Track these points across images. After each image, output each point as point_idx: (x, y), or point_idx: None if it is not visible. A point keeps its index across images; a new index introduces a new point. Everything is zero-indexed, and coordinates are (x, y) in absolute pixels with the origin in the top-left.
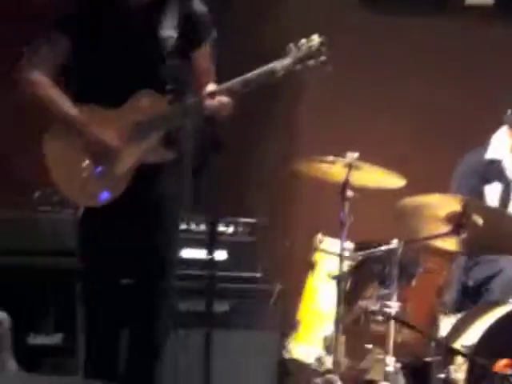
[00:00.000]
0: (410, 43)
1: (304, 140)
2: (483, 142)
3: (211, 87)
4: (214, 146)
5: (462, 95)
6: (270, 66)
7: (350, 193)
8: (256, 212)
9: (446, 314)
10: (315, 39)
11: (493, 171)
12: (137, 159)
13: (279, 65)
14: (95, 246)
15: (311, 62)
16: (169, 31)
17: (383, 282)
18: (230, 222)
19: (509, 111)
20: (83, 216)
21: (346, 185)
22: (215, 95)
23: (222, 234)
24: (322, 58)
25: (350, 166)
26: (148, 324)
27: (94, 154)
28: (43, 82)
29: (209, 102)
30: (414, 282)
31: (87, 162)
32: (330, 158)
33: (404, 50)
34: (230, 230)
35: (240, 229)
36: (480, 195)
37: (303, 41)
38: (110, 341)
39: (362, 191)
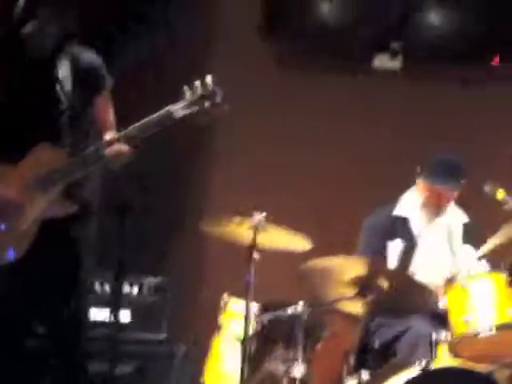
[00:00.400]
0: (323, 101)
1: (214, 201)
2: (394, 199)
3: (109, 135)
4: (122, 210)
5: (373, 154)
6: (166, 109)
7: (256, 254)
8: (162, 272)
9: (351, 376)
10: (209, 80)
11: (398, 228)
12: (39, 214)
13: (175, 108)
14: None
15: (207, 103)
16: (65, 84)
17: (289, 344)
18: (135, 282)
19: (418, 168)
20: None
21: (252, 246)
22: (114, 143)
23: (127, 294)
24: (217, 98)
25: (256, 228)
26: None
27: None
28: None
29: (108, 151)
30: (319, 345)
31: None
32: (237, 218)
33: (316, 107)
34: (135, 290)
35: (145, 289)
36: (383, 252)
37: (197, 82)
38: None
39: (268, 253)
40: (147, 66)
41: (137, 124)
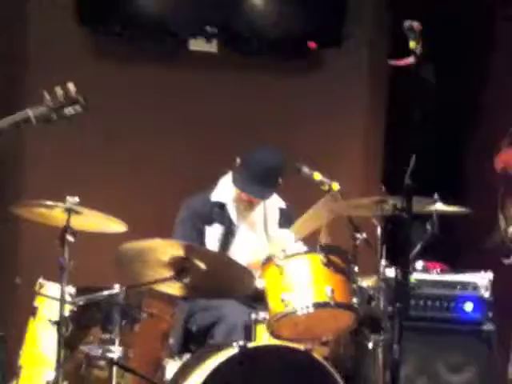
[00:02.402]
0: (137, 88)
1: (31, 188)
2: (208, 187)
3: None
4: None
5: (188, 141)
6: (23, 113)
7: (70, 237)
8: None
9: (171, 358)
10: (71, 87)
11: (216, 213)
12: None
13: (33, 113)
14: None
15: (68, 110)
16: None
17: (106, 327)
18: None
19: (237, 159)
20: None
21: (65, 229)
22: None
23: None
24: (77, 106)
25: (69, 211)
26: None
27: None
28: None
29: None
30: (137, 327)
31: None
32: (49, 202)
33: (130, 98)
34: None
35: None
36: (200, 236)
37: (58, 89)
38: None
39: (83, 235)
40: None
41: None
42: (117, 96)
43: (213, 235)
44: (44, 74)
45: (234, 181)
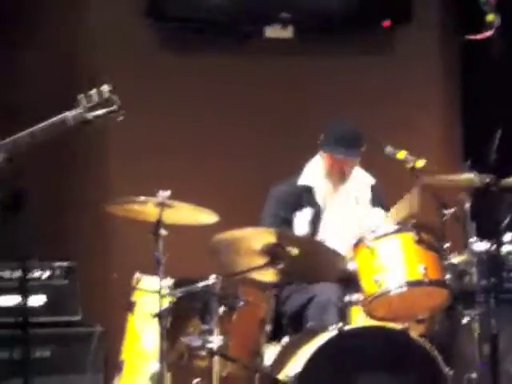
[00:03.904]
0: (213, 81)
1: (117, 184)
2: (295, 173)
3: None
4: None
5: (270, 128)
6: (60, 116)
7: (163, 231)
8: (72, 255)
9: (269, 344)
10: (105, 88)
11: (304, 197)
12: None
13: (70, 115)
14: None
15: (102, 111)
16: None
17: (204, 317)
18: (46, 266)
19: (321, 136)
20: None
21: (158, 223)
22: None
23: (39, 278)
24: (113, 106)
25: (161, 205)
26: None
27: None
28: None
29: None
30: (235, 316)
31: None
32: (142, 198)
33: (207, 88)
34: (46, 274)
35: (56, 272)
36: (290, 222)
37: (93, 91)
38: None
39: (175, 228)
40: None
41: (28, 130)
42: (197, 86)
43: (302, 219)
44: (112, 62)
45: (323, 148)
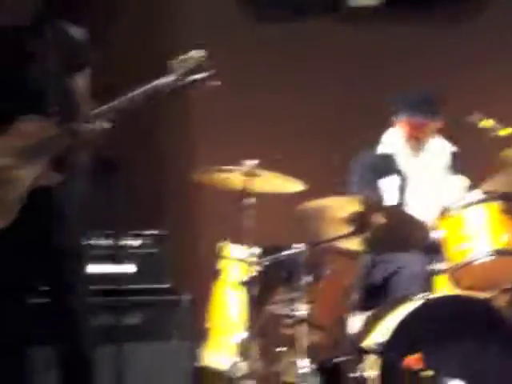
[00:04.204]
0: (297, 49)
1: (203, 152)
2: (378, 139)
3: (91, 108)
4: (107, 166)
5: (354, 96)
6: (154, 83)
7: (250, 199)
8: (160, 224)
9: (354, 312)
10: (196, 54)
11: (386, 165)
12: (28, 184)
13: (163, 82)
14: None
15: (195, 77)
16: (50, 55)
17: (291, 285)
18: (136, 234)
19: (395, 105)
20: None
21: (245, 192)
22: (100, 117)
23: (129, 247)
24: (205, 72)
25: (248, 174)
26: (76, 340)
27: None
28: None
29: (92, 125)
30: (321, 284)
31: None
32: (229, 167)
33: (292, 56)
34: (137, 242)
35: (147, 241)
36: (375, 190)
37: (184, 57)
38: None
39: (262, 197)
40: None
41: (125, 96)
42: (279, 55)
43: (390, 186)
44: (199, 35)
45: (400, 114)
